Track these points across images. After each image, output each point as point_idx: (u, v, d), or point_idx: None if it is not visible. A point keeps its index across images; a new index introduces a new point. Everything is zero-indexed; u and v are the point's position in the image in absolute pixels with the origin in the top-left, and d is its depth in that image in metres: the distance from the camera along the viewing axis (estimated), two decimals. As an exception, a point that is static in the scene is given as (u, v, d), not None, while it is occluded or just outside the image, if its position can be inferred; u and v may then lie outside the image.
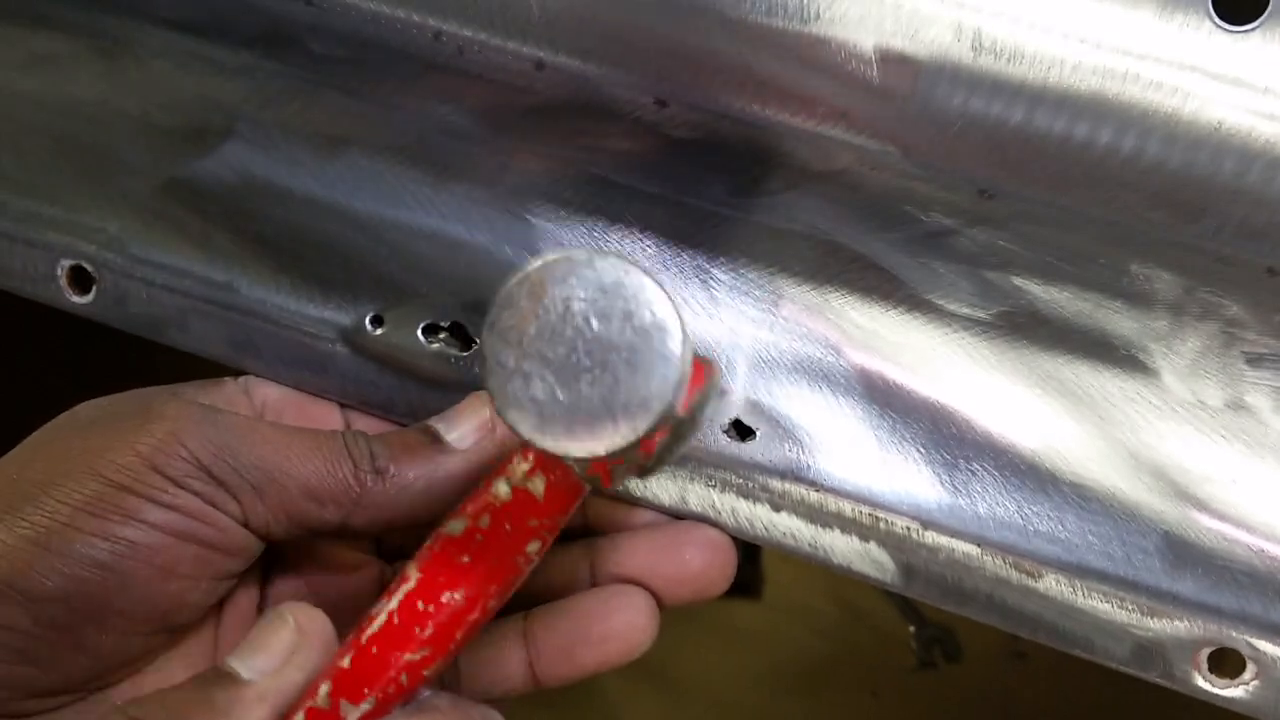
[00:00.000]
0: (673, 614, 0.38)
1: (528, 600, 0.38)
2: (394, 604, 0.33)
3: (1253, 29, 0.31)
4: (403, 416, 0.40)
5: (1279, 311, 0.34)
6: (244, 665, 0.31)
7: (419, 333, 0.40)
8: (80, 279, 0.43)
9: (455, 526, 0.33)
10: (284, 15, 0.38)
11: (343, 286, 0.41)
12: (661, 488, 0.38)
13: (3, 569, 0.32)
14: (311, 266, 0.41)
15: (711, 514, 0.38)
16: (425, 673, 0.33)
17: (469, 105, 0.38)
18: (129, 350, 0.44)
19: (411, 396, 0.40)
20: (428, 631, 0.33)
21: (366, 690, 0.32)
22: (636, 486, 0.38)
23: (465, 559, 0.33)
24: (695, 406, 0.31)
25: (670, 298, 0.27)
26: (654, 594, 0.37)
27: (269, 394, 0.40)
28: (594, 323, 0.27)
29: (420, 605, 0.33)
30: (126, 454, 0.33)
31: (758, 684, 0.85)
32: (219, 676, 0.31)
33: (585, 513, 0.39)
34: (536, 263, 0.27)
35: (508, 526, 0.33)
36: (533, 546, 0.33)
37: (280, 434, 0.36)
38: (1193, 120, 0.31)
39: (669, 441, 0.30)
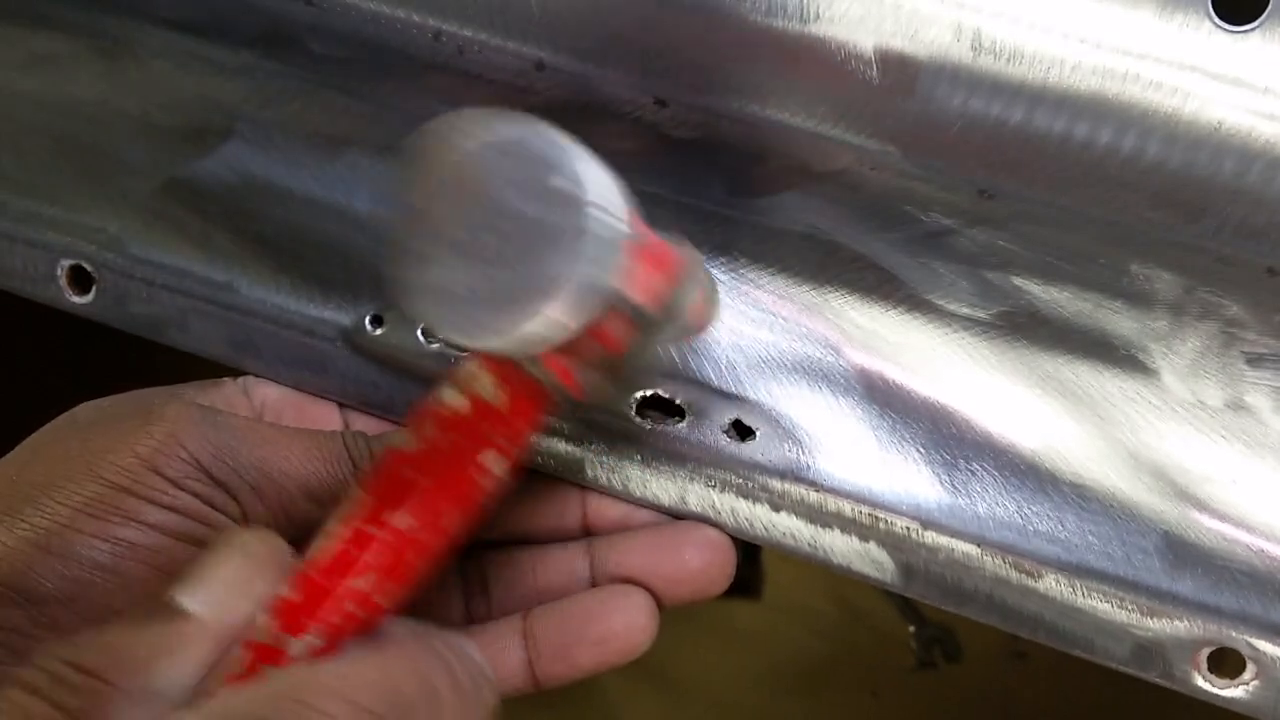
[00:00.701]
0: (673, 614, 0.38)
1: (527, 600, 0.38)
2: (338, 527, 0.30)
3: (1252, 29, 0.31)
4: (403, 417, 0.40)
5: (1279, 311, 0.34)
6: (189, 597, 0.29)
7: (419, 333, 0.40)
8: (80, 279, 0.43)
9: (402, 440, 0.30)
10: (284, 15, 0.38)
11: (343, 286, 0.41)
12: (661, 488, 0.38)
13: (2, 570, 0.32)
14: (311, 266, 0.41)
15: (711, 514, 0.38)
16: (378, 601, 0.29)
17: (469, 105, 0.38)
18: (129, 350, 0.44)
19: (411, 396, 0.40)
20: (376, 557, 0.29)
21: (309, 622, 0.29)
22: (636, 486, 0.38)
23: (414, 475, 0.29)
24: (666, 298, 0.27)
25: (592, 159, 0.23)
26: (653, 594, 0.37)
27: (268, 394, 0.41)
28: (498, 193, 0.23)
29: (366, 528, 0.29)
30: (126, 455, 0.33)
31: (758, 684, 0.85)
32: (161, 610, 0.29)
33: (585, 512, 0.39)
34: (437, 124, 0.24)
35: (459, 436, 0.30)
36: (490, 459, 0.30)
37: (279, 434, 0.36)
38: (1193, 120, 0.31)
39: (639, 339, 0.27)
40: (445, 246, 0.23)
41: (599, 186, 0.23)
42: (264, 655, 0.28)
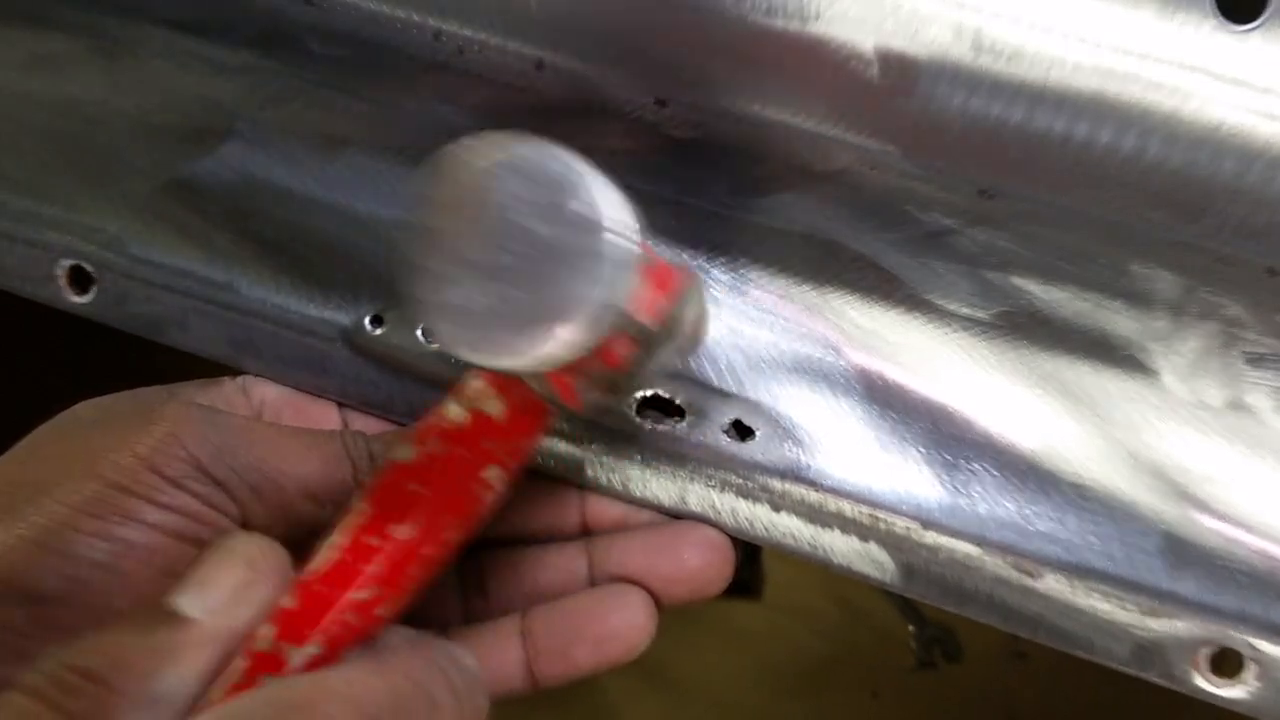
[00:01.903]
0: (673, 614, 0.38)
1: (526, 600, 0.38)
2: (340, 538, 0.30)
3: (1253, 28, 0.31)
4: (403, 416, 0.40)
5: (1279, 311, 0.34)
6: (190, 602, 0.29)
7: (419, 333, 0.40)
8: (80, 279, 0.43)
9: (405, 452, 0.30)
10: (284, 15, 0.38)
11: (343, 286, 0.41)
12: (661, 488, 0.38)
13: (1, 569, 0.32)
14: (311, 266, 0.41)
15: (711, 514, 0.38)
16: (378, 612, 0.30)
17: (469, 105, 0.38)
18: (129, 350, 0.44)
19: (411, 396, 0.40)
20: (377, 568, 0.30)
21: (310, 632, 0.29)
22: (636, 485, 0.38)
23: (417, 488, 0.30)
24: (668, 316, 0.27)
25: (609, 185, 0.24)
26: (652, 593, 0.37)
27: (267, 394, 0.40)
28: (515, 216, 0.23)
29: (368, 540, 0.30)
30: (125, 455, 0.33)
31: (758, 684, 0.85)
32: (163, 616, 0.29)
33: (584, 511, 0.39)
34: (455, 148, 0.24)
35: (462, 450, 0.30)
36: (491, 473, 0.30)
37: (279, 434, 0.36)
38: (1193, 120, 0.31)
39: (639, 355, 0.27)
40: (462, 266, 0.24)
41: (613, 209, 0.24)
42: (264, 664, 0.29)
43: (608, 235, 0.23)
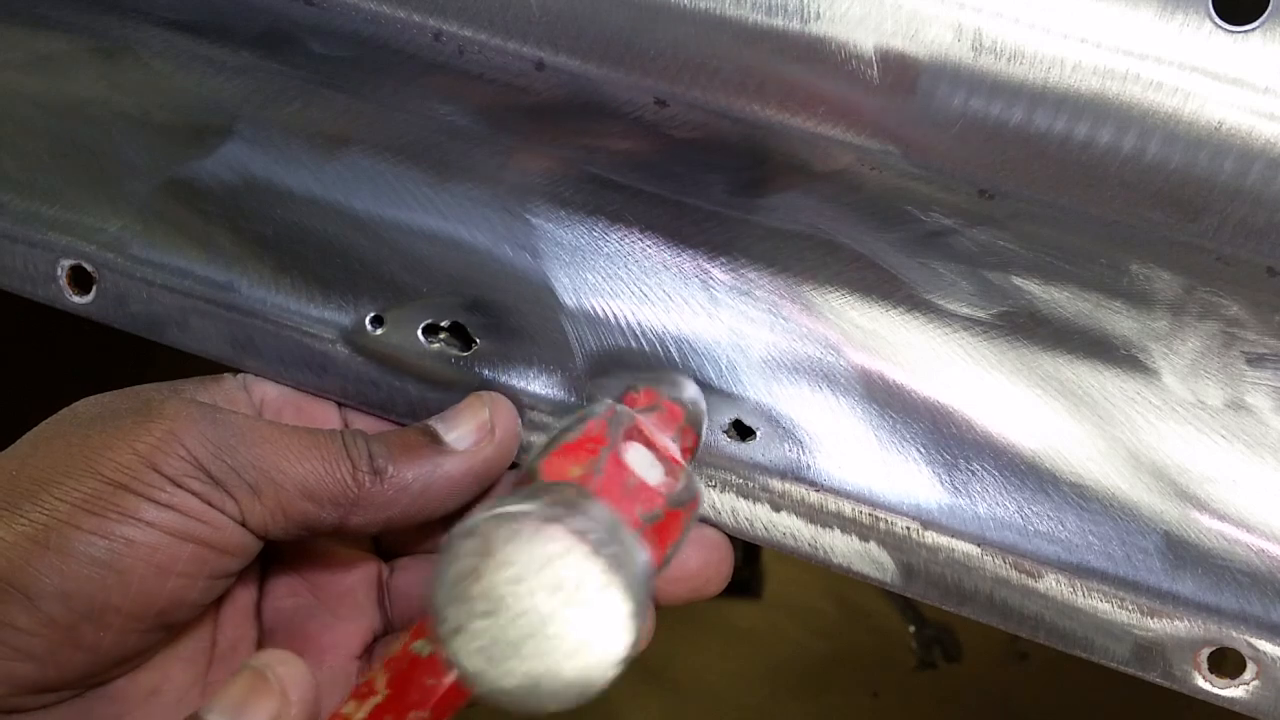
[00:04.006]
0: (673, 614, 0.38)
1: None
2: (362, 715, 0.32)
3: (1253, 29, 0.31)
4: (402, 416, 0.40)
5: (1279, 311, 0.34)
6: None
7: (419, 333, 0.40)
8: (80, 279, 0.43)
9: (423, 648, 0.33)
10: (284, 15, 0.38)
11: (343, 286, 0.41)
12: (661, 487, 0.38)
13: (1, 566, 0.32)
14: (311, 266, 0.41)
15: (711, 514, 0.38)
16: None
17: (469, 105, 0.38)
18: (129, 350, 0.44)
19: (411, 396, 0.40)
20: None
21: None
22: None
23: (432, 682, 0.32)
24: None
25: (632, 543, 0.26)
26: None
27: (267, 392, 0.41)
28: (528, 595, 0.26)
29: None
30: (125, 453, 0.33)
31: (758, 684, 0.85)
32: None
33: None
34: (484, 515, 0.26)
35: None
36: None
37: (279, 433, 0.36)
38: (1193, 120, 0.31)
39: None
40: (490, 631, 0.26)
41: (638, 589, 0.26)
42: None
43: (635, 623, 0.26)
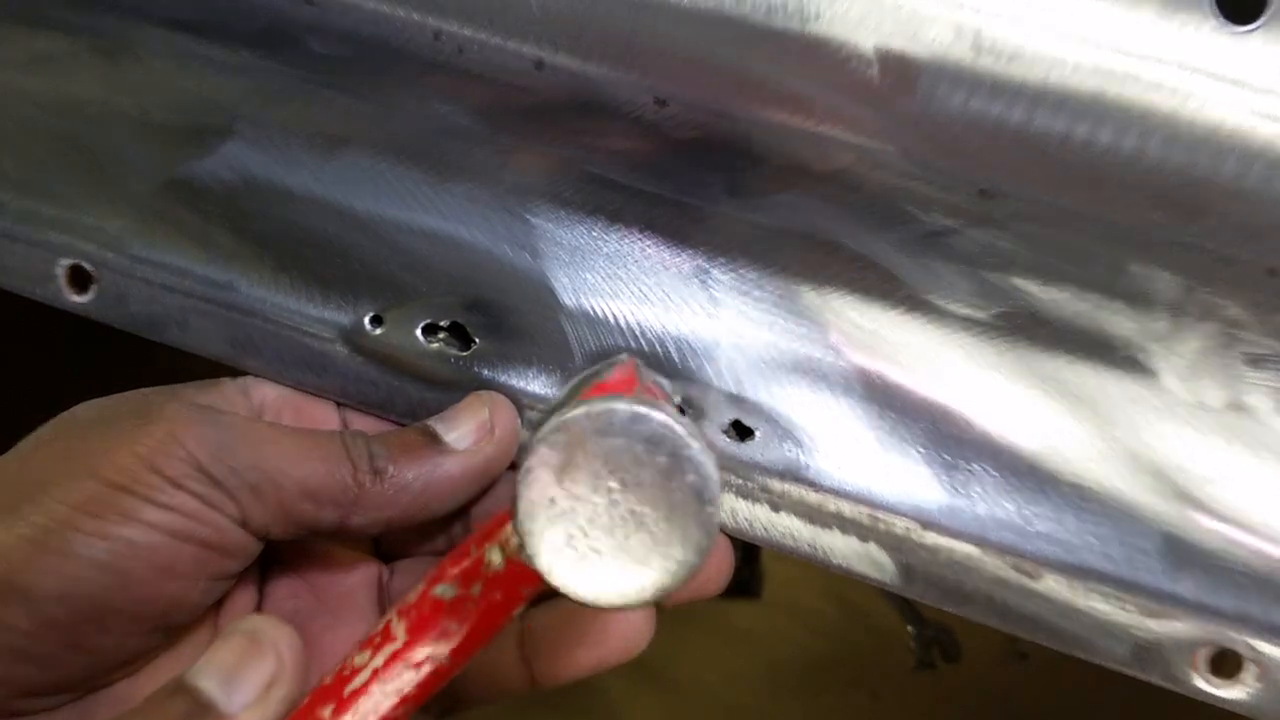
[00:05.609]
0: (673, 614, 0.38)
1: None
2: (379, 660, 0.33)
3: (1254, 29, 0.31)
4: (402, 416, 0.40)
5: (1279, 312, 0.34)
6: (225, 696, 0.30)
7: (419, 332, 0.40)
8: (79, 278, 0.43)
9: (446, 592, 0.33)
10: (284, 15, 0.38)
11: (343, 286, 0.41)
12: (661, 488, 0.38)
13: (1, 568, 0.32)
14: (311, 266, 0.41)
15: (711, 514, 0.38)
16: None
17: (469, 105, 0.38)
18: (129, 350, 0.44)
19: (411, 396, 0.40)
20: (410, 689, 0.32)
21: None
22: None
23: (454, 625, 0.33)
24: None
25: (712, 459, 0.26)
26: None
27: (267, 394, 0.40)
28: (633, 478, 0.26)
29: (404, 664, 0.33)
30: (125, 454, 0.33)
31: (758, 684, 0.85)
32: (199, 708, 0.30)
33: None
34: (579, 410, 0.26)
35: (498, 595, 0.33)
36: (521, 609, 0.34)
37: (278, 434, 0.36)
38: (1193, 120, 0.31)
39: None
40: (586, 519, 0.26)
41: (715, 481, 0.26)
42: None
43: (715, 516, 0.26)
